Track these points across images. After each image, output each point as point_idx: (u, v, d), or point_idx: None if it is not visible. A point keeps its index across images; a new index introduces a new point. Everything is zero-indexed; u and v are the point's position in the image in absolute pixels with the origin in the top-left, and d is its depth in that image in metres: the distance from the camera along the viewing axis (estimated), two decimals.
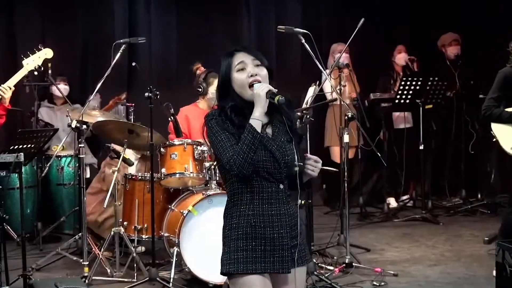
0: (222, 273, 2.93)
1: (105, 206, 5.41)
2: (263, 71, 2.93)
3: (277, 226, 2.89)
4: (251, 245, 2.87)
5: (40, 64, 5.53)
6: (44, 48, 5.57)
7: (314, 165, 2.95)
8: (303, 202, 5.67)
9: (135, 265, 5.38)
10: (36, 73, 5.64)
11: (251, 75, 2.90)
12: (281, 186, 2.92)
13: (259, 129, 2.81)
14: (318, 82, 5.84)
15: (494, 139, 5.43)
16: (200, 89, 5.91)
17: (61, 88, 7.02)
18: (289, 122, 2.96)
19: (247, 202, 2.89)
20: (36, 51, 5.53)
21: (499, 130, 5.41)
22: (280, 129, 2.95)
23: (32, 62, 5.48)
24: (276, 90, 2.87)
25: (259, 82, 2.89)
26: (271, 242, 2.88)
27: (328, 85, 6.68)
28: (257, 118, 2.82)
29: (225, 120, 2.87)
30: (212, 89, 5.83)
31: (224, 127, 2.86)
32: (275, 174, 2.89)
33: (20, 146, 5.53)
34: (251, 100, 2.89)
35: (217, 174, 5.34)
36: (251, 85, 2.89)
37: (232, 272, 2.87)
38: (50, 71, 6.39)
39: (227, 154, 2.80)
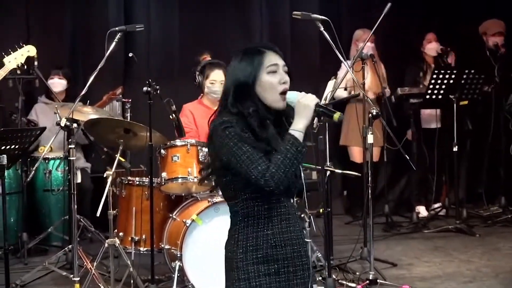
0: None
1: (97, 215, 5.42)
2: (288, 80, 2.94)
3: (296, 244, 2.93)
4: (274, 268, 2.87)
5: (23, 62, 5.59)
6: (26, 44, 5.63)
7: None
8: (321, 210, 5.69)
9: (132, 281, 5.39)
10: (19, 71, 5.70)
11: (283, 82, 2.90)
12: (292, 200, 2.97)
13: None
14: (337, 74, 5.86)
15: None
16: (195, 82, 5.94)
17: (54, 83, 7.07)
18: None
19: (265, 221, 2.89)
20: (18, 48, 5.58)
21: None
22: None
23: (14, 60, 5.55)
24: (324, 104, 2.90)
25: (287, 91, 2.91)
26: (293, 262, 2.91)
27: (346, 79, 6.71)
28: (301, 131, 2.82)
29: (245, 130, 2.82)
30: (208, 83, 5.85)
31: (245, 138, 2.80)
32: (291, 187, 2.92)
33: (2, 147, 5.55)
34: (274, 107, 2.89)
35: None
36: (282, 93, 2.88)
37: None
38: (36, 63, 6.42)
39: (259, 167, 2.74)
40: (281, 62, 2.93)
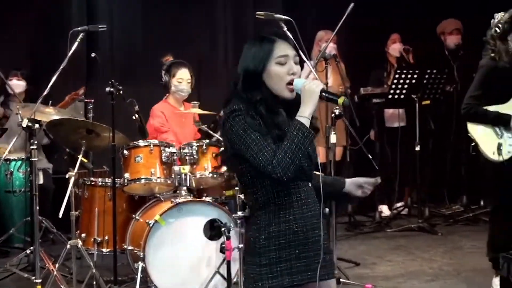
0: None
1: (60, 216, 5.38)
2: (299, 70, 2.96)
3: (316, 228, 2.94)
4: (295, 254, 2.89)
5: None
6: None
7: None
8: None
9: (94, 282, 5.36)
10: None
11: (292, 73, 2.91)
12: (310, 185, 2.97)
13: None
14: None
15: (473, 143, 5.36)
16: (161, 82, 5.97)
17: (13, 84, 7.00)
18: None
19: (286, 207, 2.90)
20: None
21: (477, 133, 5.32)
22: None
23: None
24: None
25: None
26: (313, 246, 2.92)
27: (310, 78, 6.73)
28: (307, 117, 2.82)
29: (255, 117, 2.84)
30: (175, 81, 5.91)
31: (255, 126, 2.82)
32: (307, 171, 2.94)
33: None
34: (282, 96, 2.91)
35: (188, 180, 5.34)
36: (289, 83, 2.90)
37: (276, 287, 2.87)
38: None
39: (266, 154, 2.76)
40: (292, 53, 2.94)
